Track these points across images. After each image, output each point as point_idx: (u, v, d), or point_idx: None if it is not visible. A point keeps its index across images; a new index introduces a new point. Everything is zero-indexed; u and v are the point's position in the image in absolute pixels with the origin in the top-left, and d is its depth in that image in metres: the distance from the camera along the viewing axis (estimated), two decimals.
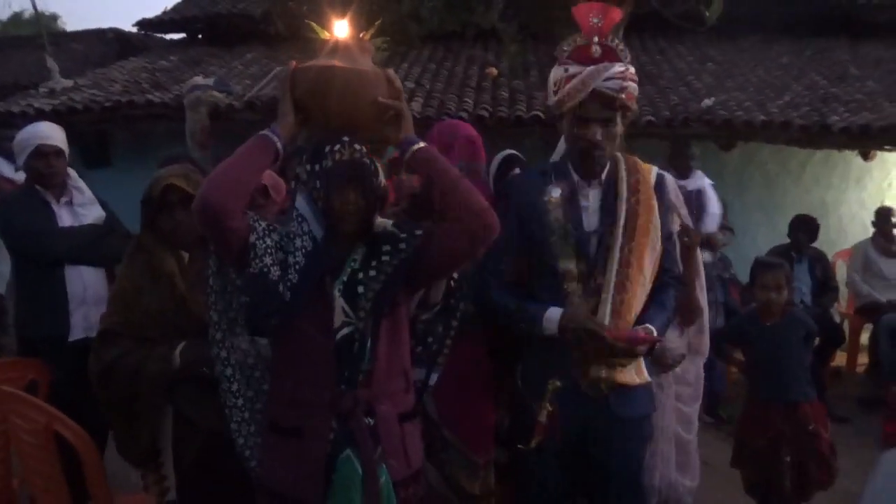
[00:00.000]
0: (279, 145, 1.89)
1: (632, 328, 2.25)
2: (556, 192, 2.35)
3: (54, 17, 22.85)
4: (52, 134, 3.48)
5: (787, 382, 3.41)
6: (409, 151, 1.93)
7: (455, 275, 2.17)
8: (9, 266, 3.74)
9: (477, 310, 2.43)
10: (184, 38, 10.76)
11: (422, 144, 1.94)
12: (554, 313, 2.26)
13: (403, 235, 1.95)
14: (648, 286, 2.35)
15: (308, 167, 1.97)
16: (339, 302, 1.88)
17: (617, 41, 2.33)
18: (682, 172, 5.23)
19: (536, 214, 2.34)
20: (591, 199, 2.38)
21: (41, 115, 7.02)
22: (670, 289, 2.43)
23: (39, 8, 15.81)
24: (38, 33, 13.37)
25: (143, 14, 12.87)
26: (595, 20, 2.30)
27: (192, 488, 2.38)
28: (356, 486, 1.83)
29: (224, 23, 9.93)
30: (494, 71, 8.17)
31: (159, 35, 11.50)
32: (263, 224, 1.93)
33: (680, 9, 5.27)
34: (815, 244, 6.25)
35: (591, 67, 2.27)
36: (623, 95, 2.27)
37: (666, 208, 2.44)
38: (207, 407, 2.21)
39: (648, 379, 2.38)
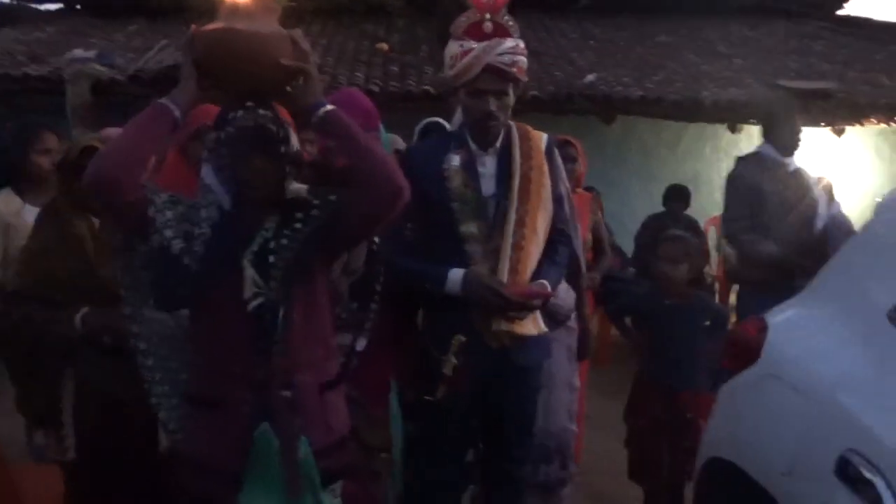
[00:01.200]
0: (177, 114, 1.83)
1: (528, 284, 2.41)
2: (455, 161, 2.46)
3: None
4: None
5: (674, 367, 3.24)
6: (316, 115, 1.86)
7: (375, 239, 2.15)
8: None
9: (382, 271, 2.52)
10: (61, 9, 10.22)
11: (330, 107, 1.87)
12: (456, 274, 2.37)
13: (316, 202, 1.92)
14: (542, 245, 2.51)
15: (213, 135, 1.91)
16: (250, 272, 1.83)
17: (507, 18, 2.43)
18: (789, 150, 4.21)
19: (437, 181, 2.44)
20: (488, 165, 2.50)
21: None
22: (561, 246, 2.60)
23: None
24: None
25: None
26: None
27: (92, 451, 2.39)
28: (274, 459, 1.81)
29: None
30: (385, 46, 8.23)
31: (34, 5, 10.87)
32: (164, 196, 1.86)
33: None
34: (689, 212, 6.68)
35: (485, 43, 2.37)
36: (515, 69, 2.40)
37: (556, 172, 2.60)
38: (108, 373, 2.25)
39: (545, 329, 2.54)
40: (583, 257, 3.29)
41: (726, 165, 8.63)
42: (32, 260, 2.40)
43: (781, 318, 2.33)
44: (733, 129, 8.00)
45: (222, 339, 1.87)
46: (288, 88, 1.89)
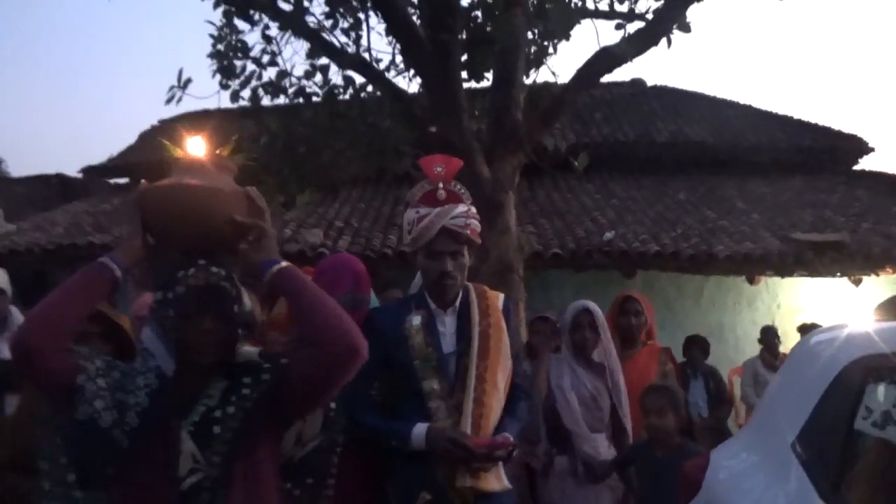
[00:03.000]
0: (118, 273, 1.73)
1: (490, 436, 2.46)
2: (416, 320, 2.54)
3: None
4: None
5: None
6: (268, 273, 1.78)
7: (332, 405, 2.02)
8: None
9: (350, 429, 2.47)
10: (127, 182, 11.25)
11: (284, 264, 1.80)
12: (420, 429, 2.42)
13: (267, 365, 1.82)
14: (503, 399, 2.58)
15: (159, 295, 1.78)
16: (188, 445, 1.67)
17: (458, 186, 2.62)
18: None
19: (399, 341, 2.51)
20: (448, 324, 2.59)
21: None
22: (520, 401, 2.68)
23: None
24: None
25: (86, 159, 13.36)
26: (439, 168, 2.59)
27: None
28: None
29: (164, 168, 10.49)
30: None
31: (104, 179, 11.97)
32: (98, 363, 1.73)
33: (553, 160, 6.03)
34: (713, 362, 6.86)
35: (439, 208, 2.52)
36: (468, 231, 2.54)
37: (513, 330, 2.70)
38: None
39: (508, 486, 2.54)
40: (626, 416, 3.50)
41: (748, 316, 8.94)
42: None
43: (719, 453, 2.57)
44: (751, 281, 8.26)
45: None
46: (242, 246, 1.83)
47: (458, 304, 2.62)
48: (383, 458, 2.54)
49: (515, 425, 2.59)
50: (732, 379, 7.49)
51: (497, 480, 2.49)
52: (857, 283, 7.97)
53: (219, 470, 1.68)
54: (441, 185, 2.56)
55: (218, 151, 1.96)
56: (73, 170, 14.64)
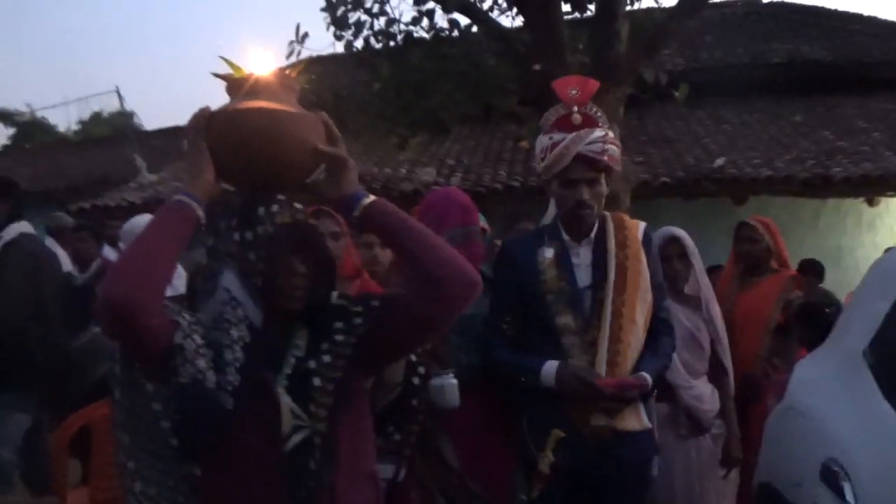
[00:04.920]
0: (199, 212, 1.51)
1: (623, 376, 2.31)
2: (548, 253, 2.43)
3: (131, 115, 24.65)
4: None
5: None
6: (358, 207, 1.59)
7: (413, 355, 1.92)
8: None
9: (484, 365, 2.49)
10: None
11: (372, 198, 1.61)
12: (551, 366, 2.31)
13: (357, 308, 1.65)
14: (642, 336, 2.42)
15: (237, 235, 1.57)
16: (286, 401, 1.52)
17: (595, 109, 2.45)
18: None
19: (532, 275, 2.42)
20: (582, 256, 2.45)
21: (133, 207, 8.20)
22: (663, 336, 2.50)
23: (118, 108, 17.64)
24: (122, 132, 14.93)
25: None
26: (573, 91, 2.42)
27: None
28: None
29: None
30: (526, 144, 9.08)
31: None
32: (188, 317, 1.53)
33: (657, 91, 6.06)
34: (833, 287, 6.81)
35: (574, 134, 2.36)
36: (605, 157, 2.37)
37: (653, 260, 2.52)
38: None
39: (648, 425, 2.42)
40: (727, 353, 3.18)
41: (869, 239, 8.73)
42: None
43: (802, 363, 2.77)
44: (871, 203, 8.07)
45: (250, 491, 1.53)
46: (320, 178, 1.64)
47: (593, 235, 2.48)
48: (517, 394, 2.48)
49: (656, 363, 2.43)
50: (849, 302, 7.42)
51: (637, 419, 2.38)
52: None
53: (326, 425, 1.54)
54: (576, 108, 2.41)
55: (287, 72, 1.70)
56: None
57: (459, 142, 9.75)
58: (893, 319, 2.20)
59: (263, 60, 1.69)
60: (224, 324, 1.53)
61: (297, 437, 1.51)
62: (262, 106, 1.55)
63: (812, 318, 3.36)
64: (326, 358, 1.58)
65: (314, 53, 6.39)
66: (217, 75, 1.67)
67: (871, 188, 7.47)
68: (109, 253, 5.91)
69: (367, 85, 7.00)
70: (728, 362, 3.15)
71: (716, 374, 3.07)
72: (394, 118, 6.45)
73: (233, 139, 1.54)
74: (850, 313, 2.58)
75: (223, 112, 1.57)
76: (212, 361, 1.49)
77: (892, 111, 9.40)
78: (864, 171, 7.41)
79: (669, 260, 3.21)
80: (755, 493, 2.82)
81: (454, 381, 2.32)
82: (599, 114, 2.44)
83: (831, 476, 2.12)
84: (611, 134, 2.42)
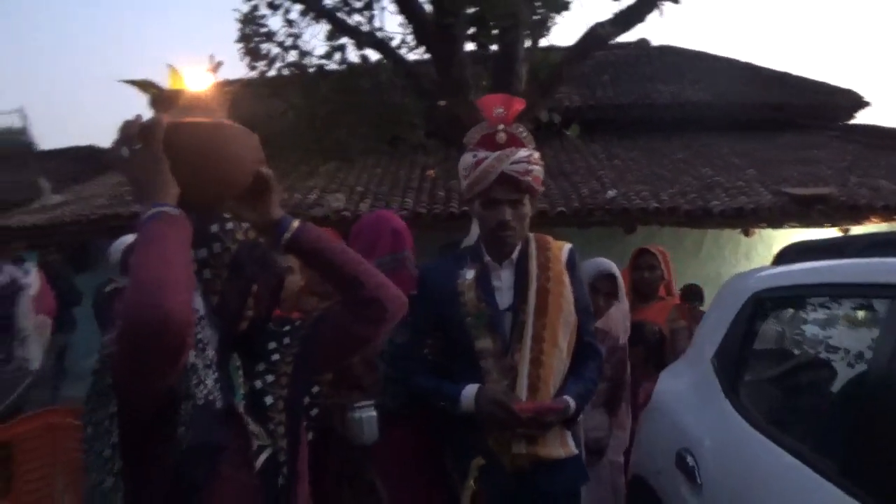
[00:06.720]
0: (183, 217, 1.34)
1: (543, 400, 2.27)
2: (468, 275, 2.38)
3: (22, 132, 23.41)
4: None
5: None
6: (290, 229, 1.55)
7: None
8: None
9: (408, 395, 2.41)
10: None
11: (297, 222, 1.57)
12: (470, 391, 2.26)
13: (284, 328, 1.66)
14: (566, 359, 2.38)
15: (200, 253, 1.43)
16: (251, 423, 1.48)
17: (521, 129, 2.40)
18: None
19: (450, 297, 2.36)
20: (504, 278, 2.41)
21: (35, 229, 8.11)
22: (588, 360, 2.44)
23: (12, 124, 17.04)
24: (20, 152, 14.48)
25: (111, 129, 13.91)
26: (499, 110, 2.37)
27: None
28: None
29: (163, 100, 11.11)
30: (433, 173, 9.47)
31: None
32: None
33: (552, 127, 6.58)
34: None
35: (498, 152, 2.32)
36: (529, 178, 2.31)
37: (578, 283, 2.46)
38: None
39: (574, 451, 2.37)
40: (625, 390, 3.42)
41: (746, 266, 9.51)
42: None
43: (665, 371, 3.23)
44: (747, 234, 8.81)
45: None
46: (255, 200, 1.54)
47: (515, 256, 2.43)
48: (440, 422, 2.41)
49: (580, 386, 2.36)
50: None
51: (562, 446, 2.34)
52: (845, 232, 8.48)
53: (286, 441, 1.52)
54: (501, 126, 2.37)
55: (217, 85, 1.63)
56: (98, 140, 15.18)
57: (367, 170, 10.05)
58: (731, 333, 2.65)
59: (199, 76, 1.64)
60: (199, 343, 1.36)
61: (262, 457, 1.46)
62: (221, 122, 1.47)
63: (641, 337, 3.93)
64: (269, 377, 1.58)
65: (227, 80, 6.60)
66: (135, 83, 1.61)
67: (747, 220, 8.13)
68: (14, 272, 5.89)
69: (279, 113, 7.24)
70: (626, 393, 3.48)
71: (612, 404, 3.36)
72: (306, 147, 6.71)
73: (195, 154, 1.41)
74: (702, 329, 3.03)
75: (187, 125, 1.43)
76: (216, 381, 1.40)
77: (760, 149, 10.28)
78: (740, 205, 8.09)
79: (596, 293, 3.38)
80: (629, 483, 3.22)
81: (373, 414, 2.28)
82: (525, 133, 2.40)
83: (684, 463, 2.52)
84: (535, 154, 2.38)
